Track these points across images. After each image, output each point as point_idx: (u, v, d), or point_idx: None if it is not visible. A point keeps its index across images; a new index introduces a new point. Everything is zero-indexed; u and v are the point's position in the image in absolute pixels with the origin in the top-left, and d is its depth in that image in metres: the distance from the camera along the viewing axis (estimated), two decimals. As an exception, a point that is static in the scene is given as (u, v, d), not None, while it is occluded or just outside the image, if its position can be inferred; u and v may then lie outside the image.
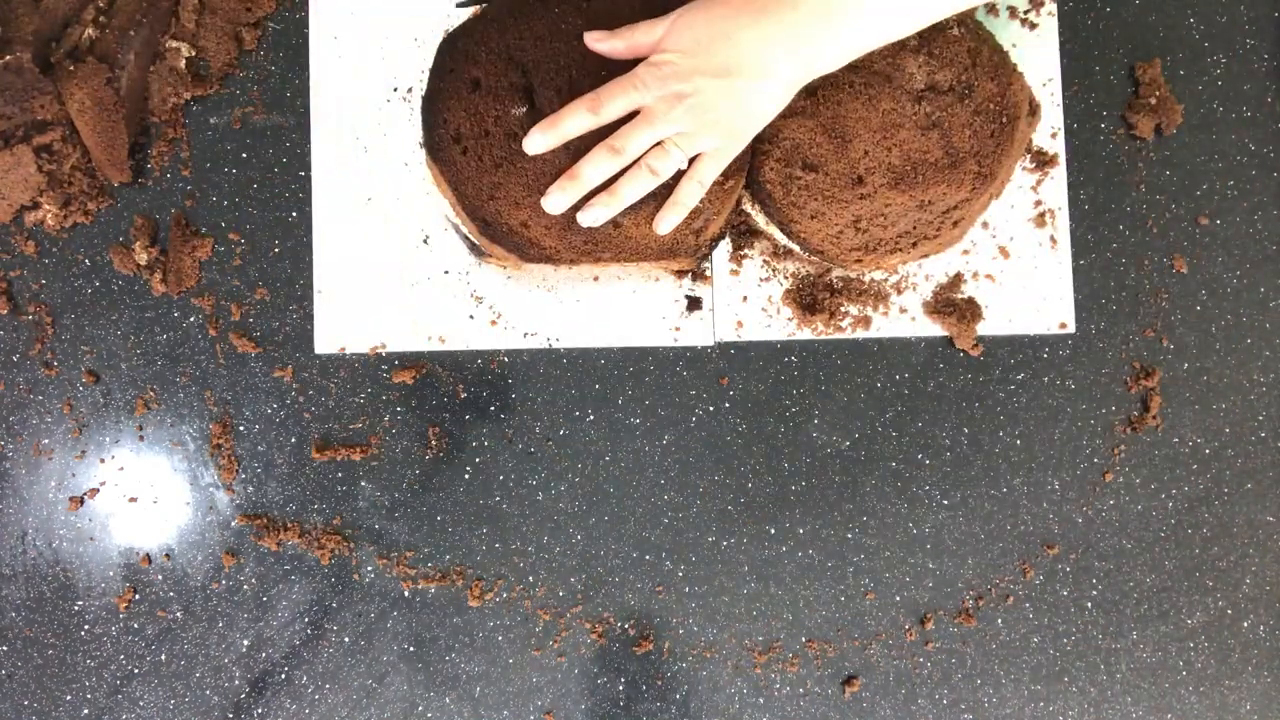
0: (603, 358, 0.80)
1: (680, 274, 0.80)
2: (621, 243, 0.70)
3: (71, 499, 0.78)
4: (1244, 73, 0.83)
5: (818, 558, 0.80)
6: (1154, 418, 0.81)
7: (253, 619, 0.78)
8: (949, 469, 0.81)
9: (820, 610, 0.80)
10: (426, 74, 0.73)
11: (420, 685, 0.79)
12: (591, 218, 0.66)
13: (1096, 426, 0.82)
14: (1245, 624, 0.82)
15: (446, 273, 0.80)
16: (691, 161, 0.65)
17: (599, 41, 0.64)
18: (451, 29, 0.72)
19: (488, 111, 0.68)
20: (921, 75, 0.67)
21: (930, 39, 0.67)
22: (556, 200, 0.65)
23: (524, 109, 0.67)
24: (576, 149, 0.65)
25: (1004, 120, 0.69)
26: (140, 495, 0.79)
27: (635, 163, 0.64)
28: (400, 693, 0.79)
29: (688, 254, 0.72)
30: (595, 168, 0.64)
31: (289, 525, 0.78)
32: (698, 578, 0.80)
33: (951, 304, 0.81)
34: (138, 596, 0.78)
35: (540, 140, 0.64)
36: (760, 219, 0.75)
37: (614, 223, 0.68)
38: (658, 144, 0.64)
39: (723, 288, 0.80)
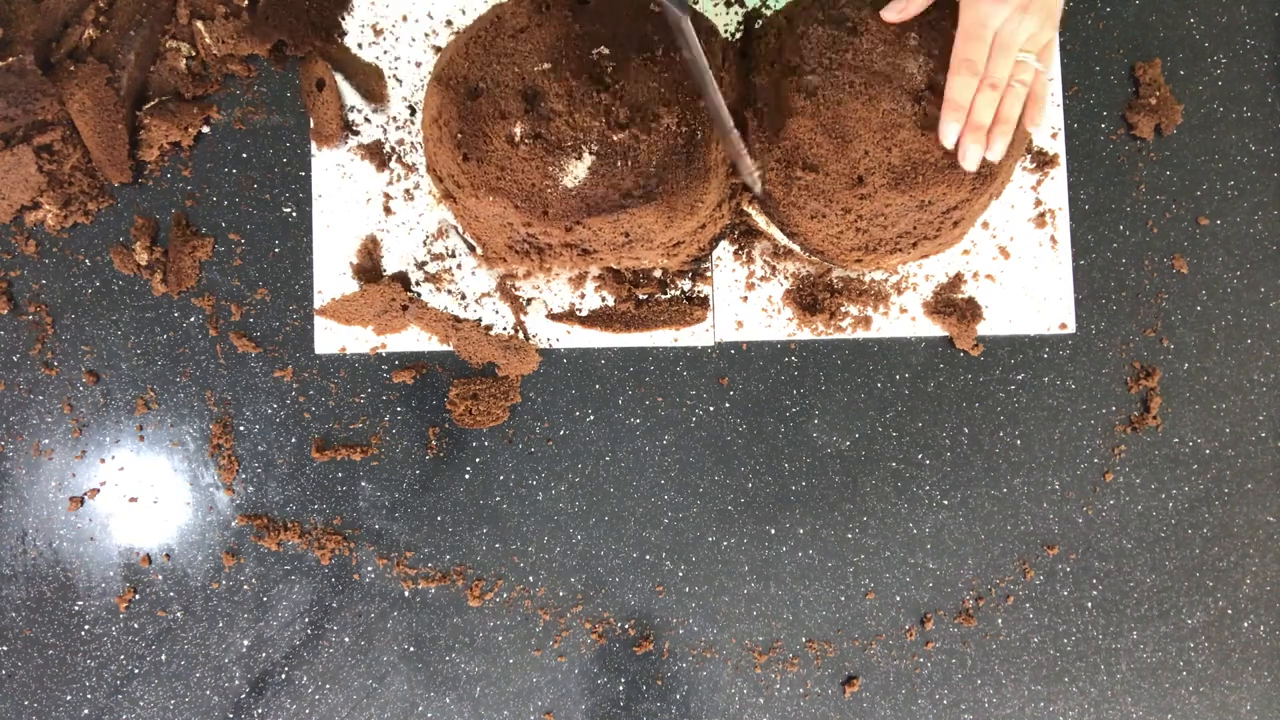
0: (603, 358, 0.80)
1: (680, 271, 0.80)
2: (621, 245, 0.70)
3: (71, 499, 0.78)
4: (1244, 73, 0.83)
5: (818, 558, 0.80)
6: (1154, 418, 0.81)
7: (253, 619, 0.78)
8: (949, 469, 0.81)
9: (820, 610, 0.80)
10: (426, 76, 0.73)
11: (420, 685, 0.79)
12: (996, 151, 0.67)
13: (1096, 426, 0.82)
14: (1245, 624, 0.82)
15: (446, 273, 0.80)
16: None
17: (895, 12, 0.67)
18: (452, 34, 0.72)
19: (487, 116, 0.68)
20: (921, 75, 0.67)
21: (930, 39, 0.67)
22: (951, 130, 0.67)
23: (523, 113, 0.67)
24: (557, 143, 0.66)
25: (1004, 120, 0.69)
26: (140, 495, 0.79)
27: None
28: (400, 693, 0.79)
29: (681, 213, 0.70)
30: (984, 106, 0.66)
31: (289, 525, 0.78)
32: (698, 578, 0.80)
33: (951, 304, 0.80)
34: (138, 596, 0.78)
35: (953, 125, 0.66)
36: (760, 219, 0.75)
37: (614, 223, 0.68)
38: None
39: (723, 288, 0.80)
